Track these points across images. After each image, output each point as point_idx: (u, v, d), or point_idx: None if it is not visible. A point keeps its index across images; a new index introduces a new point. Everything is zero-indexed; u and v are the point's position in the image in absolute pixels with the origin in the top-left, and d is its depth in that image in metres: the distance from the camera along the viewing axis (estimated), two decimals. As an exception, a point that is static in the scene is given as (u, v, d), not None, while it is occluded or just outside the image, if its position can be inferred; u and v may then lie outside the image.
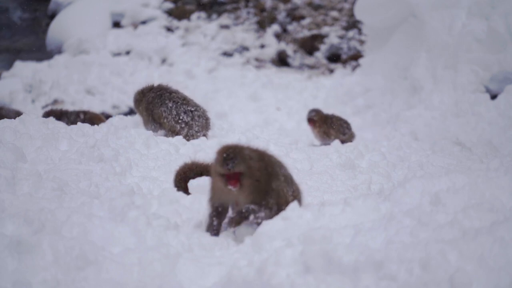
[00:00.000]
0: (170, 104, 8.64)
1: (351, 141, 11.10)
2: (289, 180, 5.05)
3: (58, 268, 4.15)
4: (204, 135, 8.79)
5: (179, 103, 8.67)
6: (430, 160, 8.79)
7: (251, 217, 4.88)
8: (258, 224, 4.93)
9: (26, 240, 4.23)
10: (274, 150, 8.46)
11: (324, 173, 7.85)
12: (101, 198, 5.63)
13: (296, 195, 5.09)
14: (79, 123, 8.39)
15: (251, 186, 4.80)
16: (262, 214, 4.90)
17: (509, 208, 4.41)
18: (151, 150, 7.77)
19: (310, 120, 11.35)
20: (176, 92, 8.87)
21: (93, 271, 4.18)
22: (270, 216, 4.90)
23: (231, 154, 4.72)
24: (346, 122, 11.35)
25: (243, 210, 4.86)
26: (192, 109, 8.71)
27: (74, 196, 5.51)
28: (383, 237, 4.13)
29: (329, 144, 10.53)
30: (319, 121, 11.28)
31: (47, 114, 10.47)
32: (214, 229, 5.02)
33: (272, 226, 4.62)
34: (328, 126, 11.20)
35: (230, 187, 4.77)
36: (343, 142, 10.81)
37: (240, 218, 4.89)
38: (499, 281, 3.61)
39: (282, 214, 4.75)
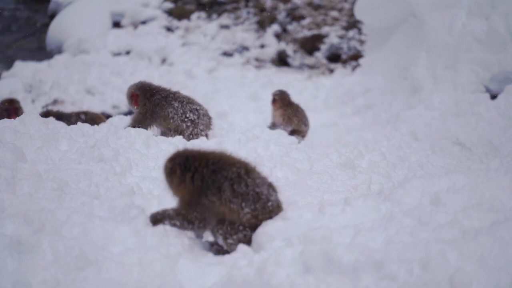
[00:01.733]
0: (176, 104, 8.71)
1: (303, 137, 11.10)
2: (249, 197, 4.60)
3: (58, 268, 4.15)
4: (206, 134, 8.84)
5: (184, 102, 8.75)
6: (430, 160, 8.78)
7: (167, 221, 4.76)
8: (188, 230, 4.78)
9: (26, 240, 4.23)
10: (274, 150, 8.47)
11: (324, 173, 7.85)
12: (101, 198, 5.63)
13: (258, 215, 4.63)
14: (79, 123, 8.39)
15: (177, 196, 4.82)
16: (177, 223, 4.72)
17: (509, 208, 4.42)
18: (151, 150, 7.77)
19: (275, 101, 11.25)
20: (178, 92, 8.94)
21: (93, 271, 4.18)
22: (191, 228, 4.73)
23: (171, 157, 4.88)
24: (306, 117, 11.37)
25: (158, 214, 4.80)
26: (197, 107, 8.81)
27: (74, 196, 5.51)
28: (383, 237, 4.13)
29: (277, 129, 10.53)
30: (284, 104, 11.19)
31: (44, 115, 10.46)
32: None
33: (272, 226, 4.62)
34: (293, 112, 11.15)
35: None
36: (295, 133, 10.82)
37: (155, 220, 4.80)
38: (499, 281, 3.61)
39: (282, 214, 4.74)
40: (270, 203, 4.70)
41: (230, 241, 4.69)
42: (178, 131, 8.70)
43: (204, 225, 4.71)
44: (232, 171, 4.67)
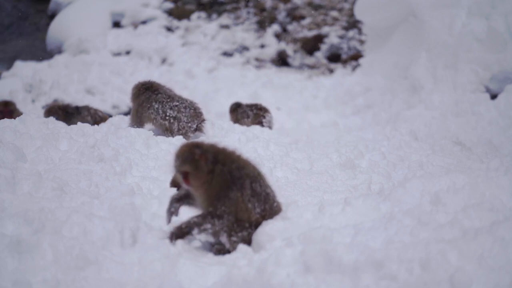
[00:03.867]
0: (156, 105, 8.81)
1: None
2: (261, 198, 4.69)
3: (58, 268, 4.15)
4: (197, 126, 8.85)
5: (164, 102, 8.83)
6: (430, 160, 8.79)
7: (195, 231, 4.65)
8: (212, 235, 4.70)
9: (26, 239, 4.23)
10: (274, 150, 8.47)
11: (324, 173, 7.85)
12: (101, 198, 5.62)
13: (265, 215, 4.71)
14: (79, 123, 8.40)
15: (201, 188, 4.64)
16: (208, 225, 4.63)
17: (509, 208, 4.42)
18: (151, 150, 7.77)
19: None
20: (164, 92, 9.01)
21: (93, 271, 4.18)
22: (221, 226, 4.64)
23: (179, 153, 4.65)
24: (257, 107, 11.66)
25: (183, 226, 4.66)
26: (177, 103, 8.85)
27: (74, 196, 5.50)
28: (383, 236, 4.13)
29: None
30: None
31: (48, 112, 10.42)
32: (168, 209, 4.87)
33: (272, 226, 4.62)
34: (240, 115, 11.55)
35: (183, 184, 4.70)
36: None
37: (181, 233, 4.68)
38: (499, 281, 3.61)
39: (282, 214, 4.75)
40: (275, 204, 4.80)
41: (234, 238, 4.69)
42: (167, 130, 8.81)
43: (230, 219, 4.67)
44: (251, 170, 4.74)
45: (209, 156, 4.63)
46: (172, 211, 4.87)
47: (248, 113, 11.62)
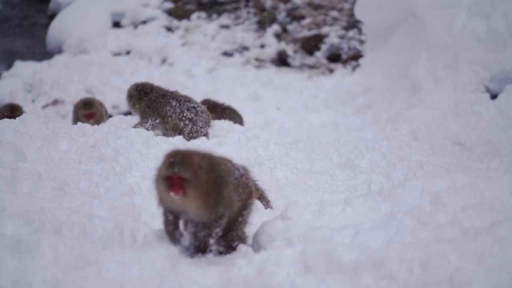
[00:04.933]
0: (174, 103, 8.73)
1: None
2: (237, 186, 4.72)
3: (58, 267, 4.14)
4: (205, 133, 8.86)
5: (182, 101, 8.78)
6: (430, 160, 8.79)
7: (211, 241, 4.65)
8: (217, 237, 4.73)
9: (26, 239, 4.23)
10: (274, 150, 8.47)
11: (324, 173, 7.85)
12: (101, 198, 5.63)
13: (244, 198, 4.79)
14: (79, 123, 8.40)
15: (198, 198, 4.47)
16: (217, 230, 4.63)
17: (509, 208, 4.42)
18: (151, 150, 7.77)
19: None
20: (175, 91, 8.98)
21: (93, 271, 4.18)
22: (221, 224, 4.64)
23: (179, 159, 4.42)
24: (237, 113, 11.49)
25: (198, 244, 4.61)
26: (195, 105, 8.83)
27: (74, 196, 5.51)
28: (383, 236, 4.13)
29: None
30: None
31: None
32: (174, 238, 4.69)
33: (272, 226, 4.62)
34: (219, 115, 11.18)
35: (172, 193, 4.41)
36: None
37: (203, 250, 4.66)
38: (499, 281, 3.61)
39: (282, 214, 4.75)
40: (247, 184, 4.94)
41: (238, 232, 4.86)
42: (177, 130, 8.72)
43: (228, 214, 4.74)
44: (228, 166, 4.79)
45: (205, 163, 4.53)
46: (178, 239, 4.72)
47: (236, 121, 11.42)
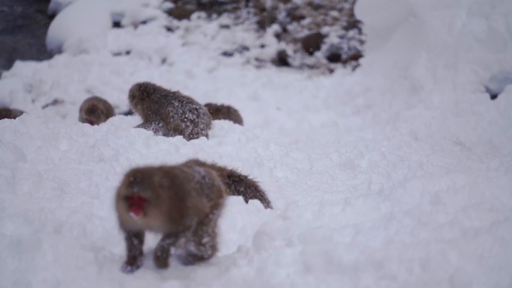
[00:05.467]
0: (176, 104, 8.74)
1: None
2: (200, 189, 4.49)
3: (58, 267, 4.14)
4: (206, 134, 8.86)
5: (184, 102, 8.78)
6: (430, 159, 8.79)
7: (172, 251, 4.42)
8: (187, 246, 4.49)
9: (26, 239, 4.23)
10: (274, 150, 8.47)
11: (324, 173, 7.85)
12: (101, 198, 5.63)
13: (214, 198, 4.57)
14: (79, 123, 8.40)
15: (159, 216, 4.23)
16: (182, 240, 4.38)
17: (509, 208, 4.41)
18: (151, 150, 7.77)
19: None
20: (177, 91, 8.98)
21: (93, 271, 4.18)
22: (188, 234, 4.40)
23: (139, 178, 4.18)
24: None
25: (159, 254, 4.35)
26: (197, 107, 8.84)
27: (74, 196, 5.51)
28: (383, 236, 4.13)
29: None
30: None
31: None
32: (133, 263, 4.36)
33: (272, 226, 4.62)
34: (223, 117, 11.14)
35: (131, 214, 4.17)
36: None
37: (164, 261, 4.40)
38: (499, 281, 3.61)
39: (282, 214, 4.75)
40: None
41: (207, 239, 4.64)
42: (178, 131, 8.72)
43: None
44: (188, 173, 4.55)
45: (165, 181, 4.28)
46: (139, 266, 4.41)
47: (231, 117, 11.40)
